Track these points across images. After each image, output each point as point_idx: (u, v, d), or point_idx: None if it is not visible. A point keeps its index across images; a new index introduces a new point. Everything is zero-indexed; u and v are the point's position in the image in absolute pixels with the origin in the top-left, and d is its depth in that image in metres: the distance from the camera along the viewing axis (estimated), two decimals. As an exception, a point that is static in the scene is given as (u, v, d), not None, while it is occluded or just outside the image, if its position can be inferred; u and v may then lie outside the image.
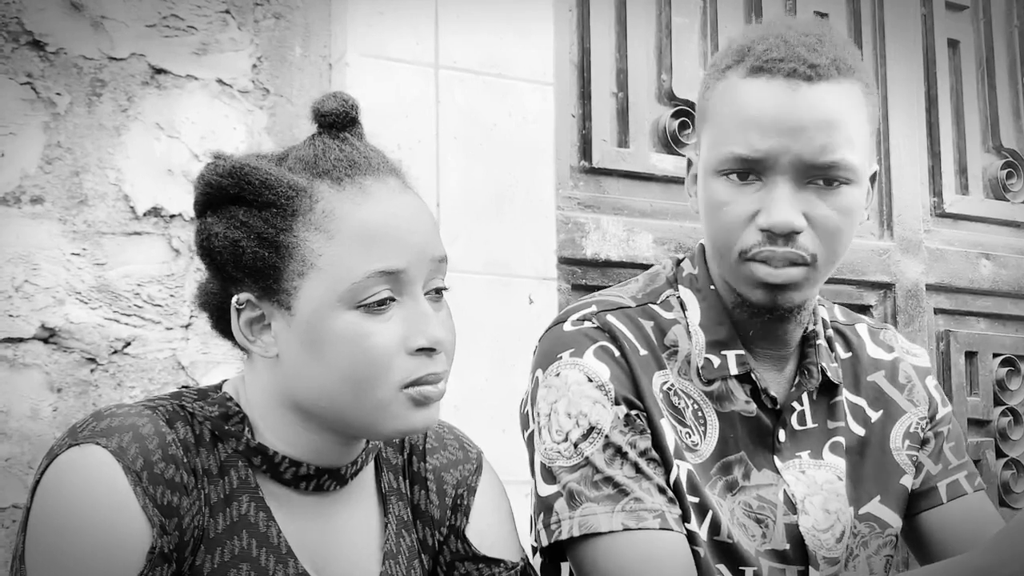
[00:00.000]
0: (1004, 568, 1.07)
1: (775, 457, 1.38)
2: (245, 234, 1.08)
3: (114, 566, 0.99)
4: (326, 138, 1.14)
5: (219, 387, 1.17)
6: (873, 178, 1.38)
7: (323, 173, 1.10)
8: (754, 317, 1.36)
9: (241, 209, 1.09)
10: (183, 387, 1.18)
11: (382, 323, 1.07)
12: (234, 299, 1.11)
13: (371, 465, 1.23)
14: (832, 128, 1.26)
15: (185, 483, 1.05)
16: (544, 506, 1.30)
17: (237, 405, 1.13)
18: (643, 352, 1.35)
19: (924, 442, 1.47)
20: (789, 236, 1.27)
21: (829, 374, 1.41)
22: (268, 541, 1.10)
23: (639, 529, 1.25)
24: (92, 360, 1.97)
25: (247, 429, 1.12)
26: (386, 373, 1.07)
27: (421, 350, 1.09)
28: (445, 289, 1.14)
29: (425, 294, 1.11)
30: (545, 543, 1.29)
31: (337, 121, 1.14)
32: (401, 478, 1.25)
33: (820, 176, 1.27)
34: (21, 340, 1.92)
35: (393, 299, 1.08)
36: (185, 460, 1.06)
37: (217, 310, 1.16)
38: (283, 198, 1.08)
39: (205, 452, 1.09)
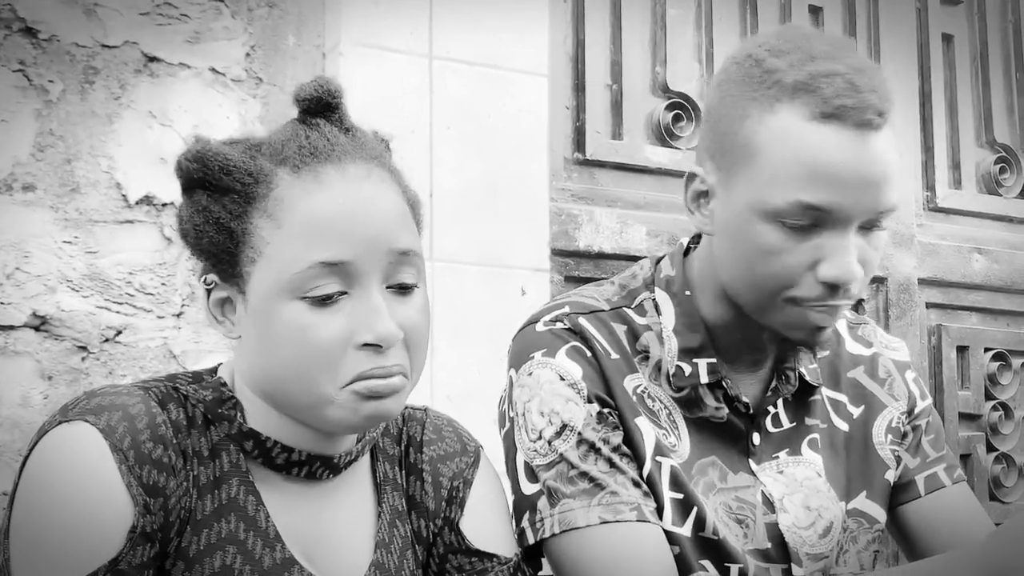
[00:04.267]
0: (1008, 560, 1.05)
1: (750, 460, 1.38)
2: (204, 219, 1.09)
3: (94, 543, 0.99)
4: (298, 124, 1.13)
5: (214, 371, 1.17)
6: None
7: (284, 160, 1.09)
8: (754, 329, 1.35)
9: (204, 194, 1.09)
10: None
11: (328, 316, 1.05)
12: (203, 279, 1.12)
13: (367, 455, 1.23)
14: (892, 177, 1.25)
15: (173, 464, 1.05)
16: (528, 504, 1.31)
17: (231, 390, 1.13)
18: (614, 356, 1.35)
19: (904, 436, 1.48)
20: (846, 288, 1.27)
21: (808, 377, 1.41)
22: (256, 525, 1.09)
23: (616, 522, 1.25)
24: (83, 348, 1.96)
25: (240, 414, 1.12)
26: (331, 368, 1.05)
27: (367, 345, 1.06)
28: (413, 285, 1.11)
29: (388, 287, 1.09)
30: (531, 541, 1.30)
31: (311, 107, 1.13)
32: (397, 468, 1.24)
33: (877, 223, 1.27)
34: (12, 328, 1.92)
35: (344, 292, 1.06)
36: (175, 441, 1.06)
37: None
38: (240, 184, 1.08)
39: (197, 434, 1.09)
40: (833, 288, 1.26)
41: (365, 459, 1.22)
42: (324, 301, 1.05)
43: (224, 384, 1.14)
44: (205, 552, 1.06)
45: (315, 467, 1.15)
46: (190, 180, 1.10)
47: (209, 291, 1.12)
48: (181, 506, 1.06)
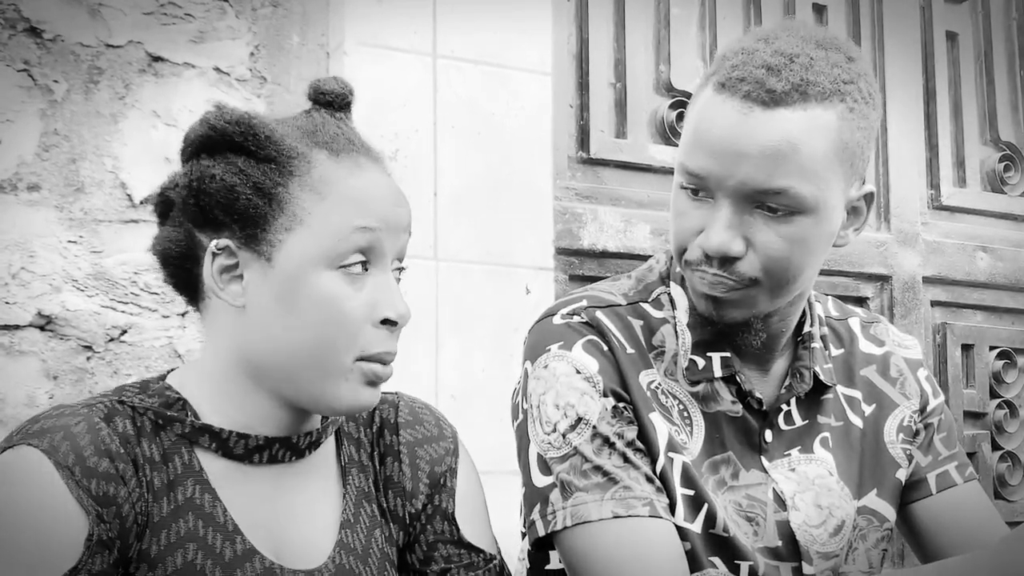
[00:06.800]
0: (1021, 565, 1.04)
1: (762, 457, 1.38)
2: (242, 180, 1.12)
3: (52, 556, 1.02)
4: (323, 114, 1.20)
5: (163, 377, 1.19)
6: (869, 199, 1.35)
7: (322, 143, 1.15)
8: (756, 321, 1.36)
9: (241, 158, 1.12)
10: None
11: (355, 290, 1.12)
12: (213, 243, 1.13)
13: (331, 439, 1.25)
14: (780, 157, 1.22)
15: (121, 473, 1.07)
16: (541, 497, 1.31)
17: (177, 392, 1.16)
18: (630, 351, 1.35)
19: (916, 434, 1.47)
20: (725, 261, 1.27)
21: (822, 377, 1.41)
22: (214, 520, 1.12)
23: (629, 517, 1.26)
24: (88, 348, 1.97)
25: (189, 413, 1.14)
26: (351, 340, 1.12)
27: (386, 322, 1.13)
28: (404, 269, 1.20)
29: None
30: (541, 533, 1.30)
31: (334, 101, 1.20)
32: (363, 451, 1.26)
33: (766, 203, 1.25)
34: (17, 327, 1.92)
35: (367, 268, 1.14)
36: (123, 452, 1.09)
37: (177, 258, 1.18)
38: (283, 156, 1.13)
39: (147, 442, 1.12)
40: (708, 258, 1.28)
41: (330, 444, 1.24)
42: (356, 273, 1.12)
43: (169, 388, 1.16)
44: (166, 551, 1.09)
45: (275, 450, 1.17)
46: (224, 142, 1.13)
47: (215, 256, 1.14)
48: (136, 511, 1.08)
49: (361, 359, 1.12)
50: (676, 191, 1.32)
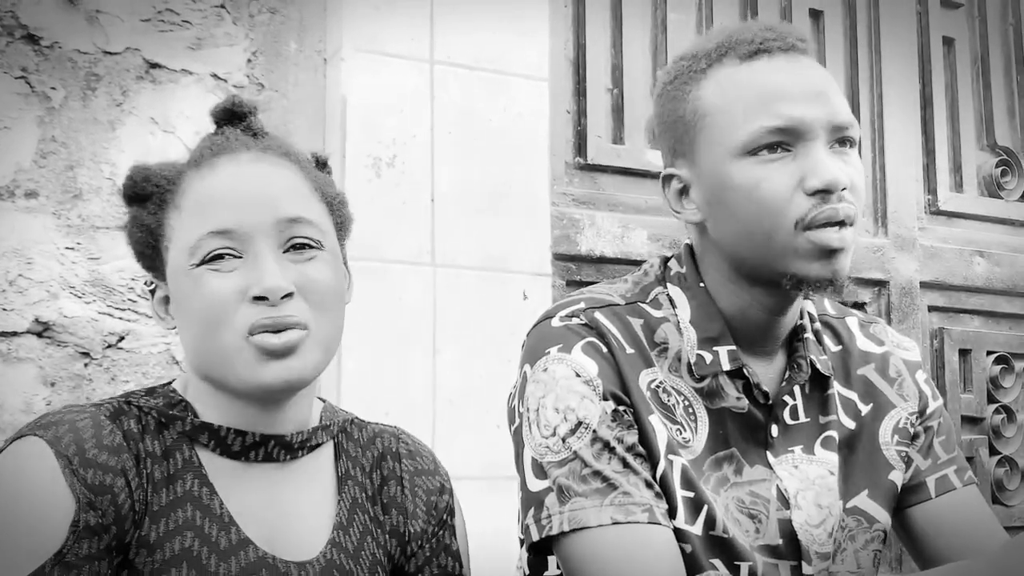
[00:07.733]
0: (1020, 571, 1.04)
1: (768, 452, 1.38)
2: (134, 225, 1.24)
3: (40, 538, 1.09)
4: (210, 134, 1.28)
5: (169, 383, 1.28)
6: None
7: (193, 161, 1.24)
8: (769, 313, 1.36)
9: (133, 206, 1.25)
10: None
11: (221, 276, 1.17)
12: (144, 281, 1.27)
13: (330, 449, 1.31)
14: (838, 92, 1.32)
15: (123, 466, 1.15)
16: (535, 501, 1.31)
17: (181, 395, 1.25)
18: (630, 350, 1.35)
19: (914, 437, 1.47)
20: (835, 194, 1.29)
21: (819, 366, 1.41)
22: (211, 512, 1.19)
23: (628, 523, 1.25)
24: (86, 354, 1.97)
25: (190, 413, 1.23)
26: (229, 320, 1.16)
27: (258, 299, 1.16)
28: (308, 246, 1.20)
29: (285, 251, 1.19)
30: (536, 538, 1.29)
31: (220, 117, 1.28)
32: (359, 469, 1.32)
33: (840, 138, 1.31)
34: (15, 334, 1.92)
35: (236, 256, 1.18)
36: (127, 445, 1.17)
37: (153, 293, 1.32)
38: (157, 187, 1.23)
39: (150, 439, 1.20)
40: (824, 197, 1.28)
41: (327, 454, 1.31)
42: (215, 261, 1.17)
43: (173, 391, 1.26)
44: (164, 538, 1.16)
45: (271, 447, 1.24)
46: (126, 196, 1.25)
47: (152, 292, 1.27)
48: (135, 500, 1.15)
49: (249, 335, 1.16)
50: (734, 169, 1.31)
